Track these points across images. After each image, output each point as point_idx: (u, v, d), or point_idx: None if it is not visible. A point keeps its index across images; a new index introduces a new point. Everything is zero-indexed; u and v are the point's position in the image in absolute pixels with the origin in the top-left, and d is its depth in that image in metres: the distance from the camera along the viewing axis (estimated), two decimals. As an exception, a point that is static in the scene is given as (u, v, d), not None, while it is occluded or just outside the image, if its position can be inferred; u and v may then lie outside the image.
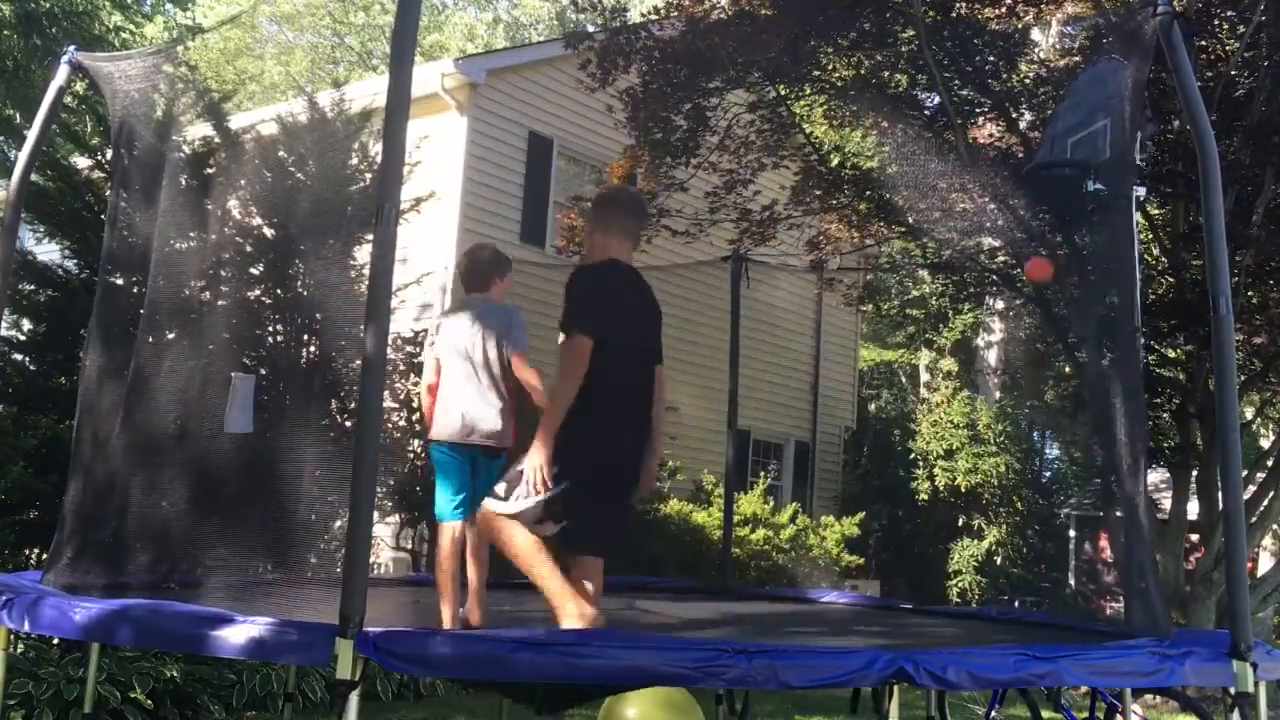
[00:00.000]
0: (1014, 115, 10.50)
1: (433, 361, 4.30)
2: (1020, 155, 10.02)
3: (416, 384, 10.36)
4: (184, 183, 5.44)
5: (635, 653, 2.99)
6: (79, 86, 7.99)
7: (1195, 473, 10.73)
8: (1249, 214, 9.16)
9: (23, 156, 4.89)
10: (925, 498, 16.52)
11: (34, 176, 5.89)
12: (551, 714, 4.14)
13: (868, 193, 11.46)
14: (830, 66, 10.96)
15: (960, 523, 16.47)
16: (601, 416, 3.75)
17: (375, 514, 5.45)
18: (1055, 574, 17.20)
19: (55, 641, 6.24)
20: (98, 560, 4.33)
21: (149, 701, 6.22)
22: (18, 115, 11.56)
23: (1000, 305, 16.11)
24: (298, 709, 6.63)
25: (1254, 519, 10.31)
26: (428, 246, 11.60)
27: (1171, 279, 10.34)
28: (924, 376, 22.28)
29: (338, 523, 6.97)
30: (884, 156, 13.18)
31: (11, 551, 7.15)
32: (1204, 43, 9.27)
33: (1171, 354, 10.99)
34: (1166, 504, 10.99)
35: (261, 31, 29.86)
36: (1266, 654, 3.72)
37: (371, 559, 8.18)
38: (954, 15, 9.48)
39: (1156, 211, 10.63)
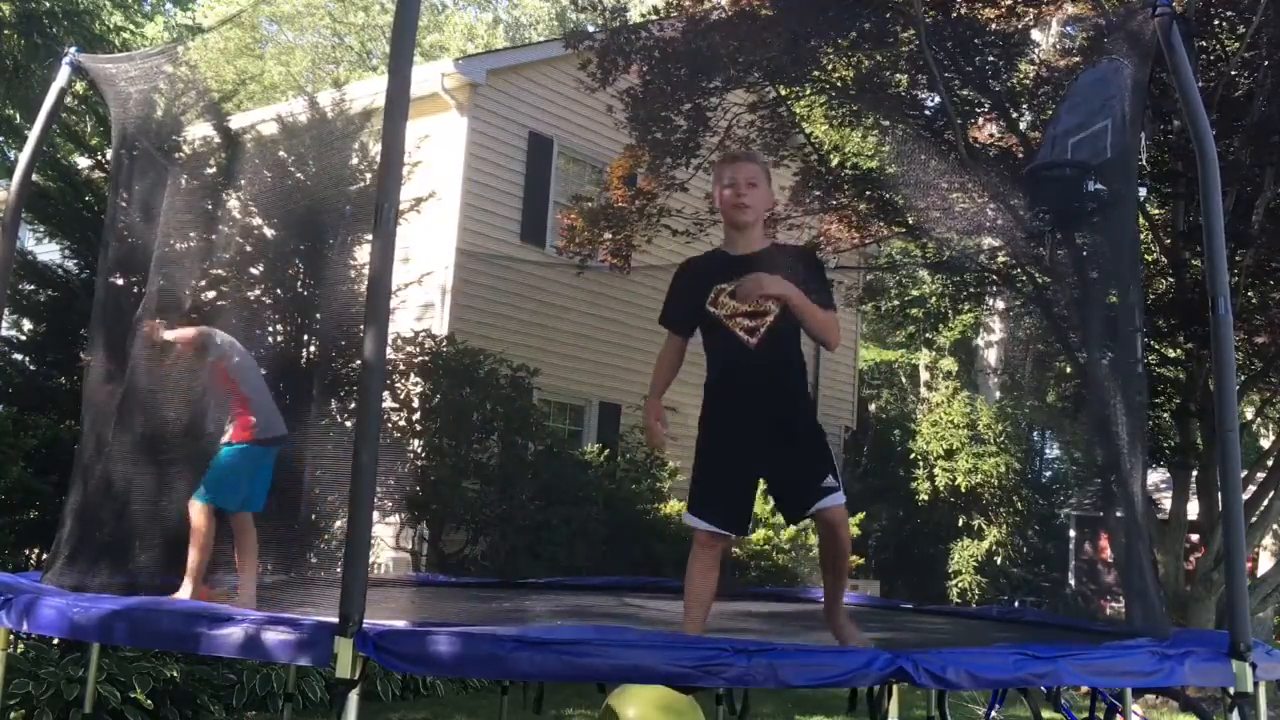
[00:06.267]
0: (1014, 115, 10.49)
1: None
2: (1020, 155, 10.02)
3: (417, 384, 10.36)
4: (184, 183, 5.44)
5: (635, 652, 2.98)
6: (79, 86, 7.98)
7: (1195, 473, 10.72)
8: (1249, 214, 9.15)
9: (23, 157, 4.89)
10: (925, 498, 16.51)
11: (34, 176, 5.88)
12: None
13: (868, 193, 11.45)
14: (830, 66, 10.95)
15: (960, 523, 16.46)
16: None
17: (375, 514, 5.45)
18: (1055, 574, 17.21)
19: (55, 641, 6.23)
20: (97, 560, 4.33)
21: (149, 701, 6.22)
22: (18, 115, 11.56)
23: (1000, 305, 16.08)
24: (298, 709, 6.63)
25: (1254, 519, 10.30)
26: (428, 246, 11.60)
27: (1171, 279, 10.33)
28: (924, 376, 22.28)
29: (338, 523, 6.98)
30: (884, 156, 13.16)
31: (11, 551, 7.15)
32: (1204, 43, 9.26)
33: (1171, 354, 10.97)
34: (1166, 504, 10.98)
35: (261, 31, 29.86)
36: (1266, 654, 3.71)
37: (371, 559, 8.18)
38: (954, 15, 9.47)
39: (1156, 211, 10.62)
